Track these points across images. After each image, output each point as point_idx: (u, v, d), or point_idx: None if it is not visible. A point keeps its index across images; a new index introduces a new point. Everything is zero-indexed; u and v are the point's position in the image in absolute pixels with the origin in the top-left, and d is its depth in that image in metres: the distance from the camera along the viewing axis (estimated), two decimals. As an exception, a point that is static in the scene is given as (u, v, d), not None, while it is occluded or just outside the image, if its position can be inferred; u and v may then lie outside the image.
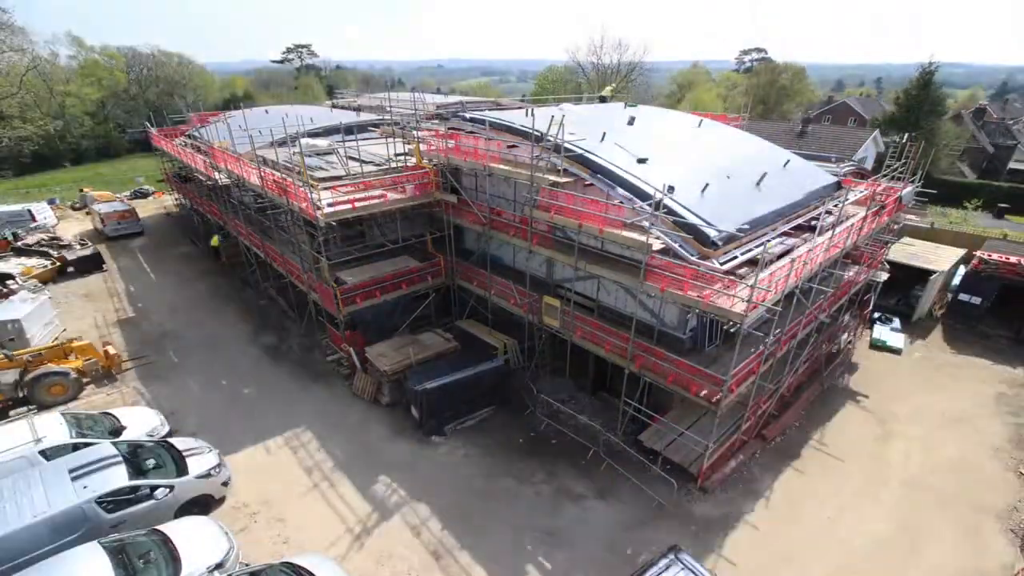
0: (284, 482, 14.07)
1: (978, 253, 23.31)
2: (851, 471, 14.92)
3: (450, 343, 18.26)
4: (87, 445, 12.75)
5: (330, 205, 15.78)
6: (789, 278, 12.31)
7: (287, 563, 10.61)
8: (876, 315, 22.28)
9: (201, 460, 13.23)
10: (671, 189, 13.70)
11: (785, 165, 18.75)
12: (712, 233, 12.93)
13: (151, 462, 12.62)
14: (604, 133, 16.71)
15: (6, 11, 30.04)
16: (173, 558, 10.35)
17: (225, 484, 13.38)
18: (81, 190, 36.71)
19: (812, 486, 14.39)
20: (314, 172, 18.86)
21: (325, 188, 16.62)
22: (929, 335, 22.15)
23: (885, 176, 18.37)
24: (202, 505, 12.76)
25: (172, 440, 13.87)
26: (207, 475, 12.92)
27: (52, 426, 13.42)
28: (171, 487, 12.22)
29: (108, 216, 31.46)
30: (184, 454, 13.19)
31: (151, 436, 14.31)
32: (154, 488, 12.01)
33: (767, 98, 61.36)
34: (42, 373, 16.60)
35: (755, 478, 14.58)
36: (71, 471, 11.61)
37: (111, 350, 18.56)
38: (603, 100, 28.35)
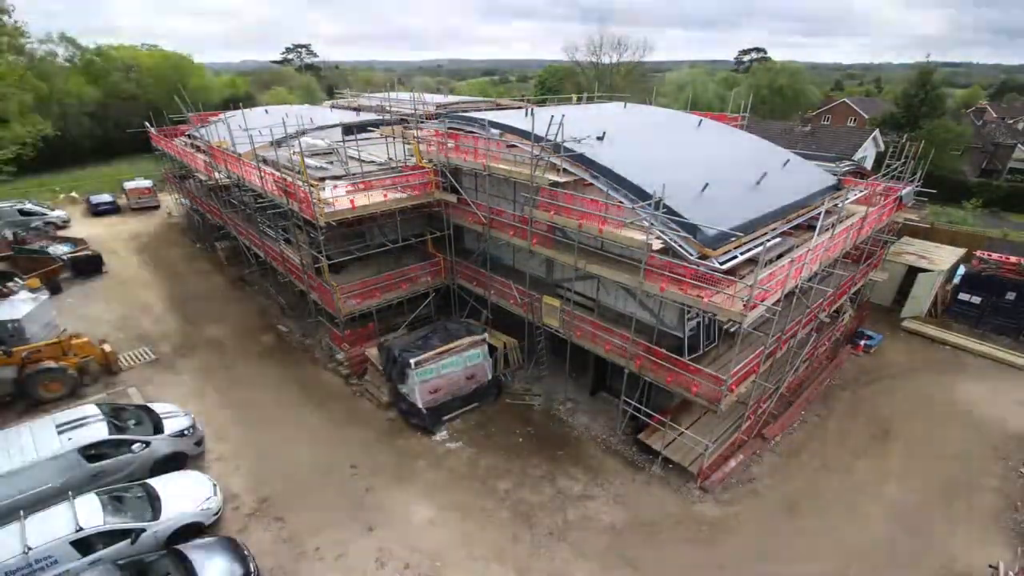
0: (283, 481, 14.08)
1: (977, 253, 23.34)
2: (851, 470, 14.92)
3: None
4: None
5: (330, 205, 15.79)
6: (789, 278, 12.32)
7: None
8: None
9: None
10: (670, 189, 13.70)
11: (784, 165, 18.76)
12: (712, 233, 12.93)
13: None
14: (604, 133, 16.72)
15: (10, 13, 29.97)
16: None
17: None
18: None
19: (812, 485, 14.39)
20: (314, 172, 18.87)
21: (325, 188, 16.63)
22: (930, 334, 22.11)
23: (885, 176, 18.40)
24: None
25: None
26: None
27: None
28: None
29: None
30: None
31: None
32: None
33: (766, 98, 61.28)
34: (39, 369, 16.64)
35: (755, 477, 14.59)
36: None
37: (107, 347, 18.61)
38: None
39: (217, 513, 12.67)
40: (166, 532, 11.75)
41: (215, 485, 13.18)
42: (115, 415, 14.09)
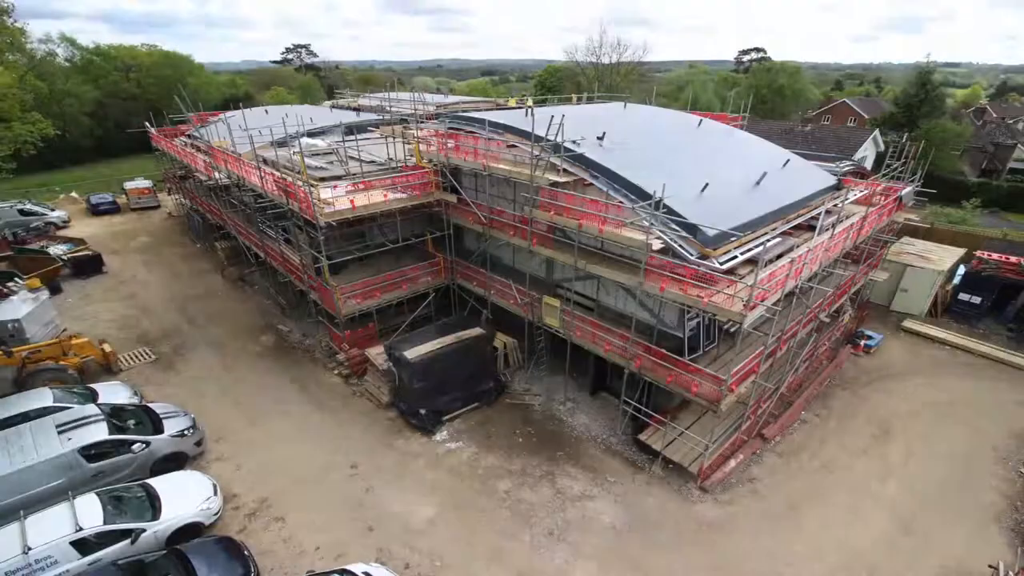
0: (283, 481, 14.08)
1: (977, 253, 23.34)
2: (851, 470, 14.92)
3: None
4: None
5: (330, 205, 15.80)
6: (789, 278, 12.32)
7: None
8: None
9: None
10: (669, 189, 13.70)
11: (785, 165, 18.76)
12: (712, 233, 12.93)
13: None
14: (604, 133, 16.72)
15: (9, 13, 30.02)
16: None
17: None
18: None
19: (812, 486, 14.39)
20: (314, 172, 18.87)
21: (325, 188, 16.64)
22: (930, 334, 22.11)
23: (885, 176, 18.40)
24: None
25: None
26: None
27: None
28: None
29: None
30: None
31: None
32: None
33: (766, 98, 61.28)
34: (39, 369, 16.65)
35: (755, 477, 14.59)
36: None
37: (107, 347, 18.63)
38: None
39: (217, 513, 12.68)
40: (166, 532, 11.76)
41: (215, 485, 13.18)
42: (115, 415, 14.10)
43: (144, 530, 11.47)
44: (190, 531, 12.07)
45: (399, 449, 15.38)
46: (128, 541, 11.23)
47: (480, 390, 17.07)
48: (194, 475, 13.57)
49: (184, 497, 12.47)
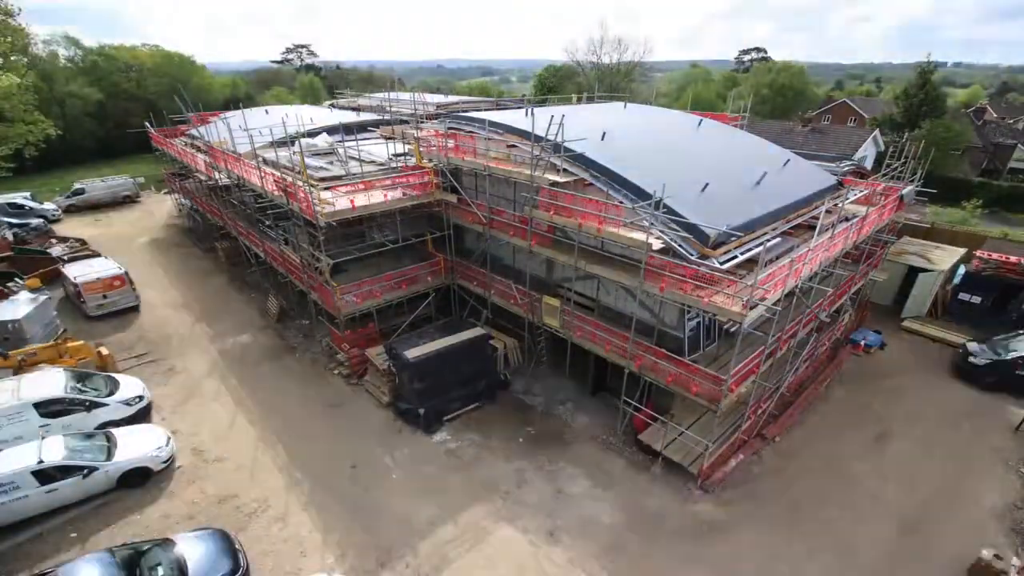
0: (284, 482, 14.09)
1: (978, 253, 23.32)
2: (851, 470, 14.92)
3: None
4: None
5: (330, 205, 15.80)
6: (789, 278, 12.32)
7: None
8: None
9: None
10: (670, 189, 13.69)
11: (785, 165, 18.75)
12: (712, 233, 12.93)
13: None
14: (604, 133, 16.72)
15: (13, 15, 30.19)
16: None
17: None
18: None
19: (812, 485, 14.38)
20: (314, 172, 18.88)
21: (325, 188, 16.65)
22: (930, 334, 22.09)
23: (885, 175, 18.40)
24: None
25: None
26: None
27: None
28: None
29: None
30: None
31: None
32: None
33: (766, 98, 61.23)
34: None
35: (755, 477, 14.58)
36: None
37: (104, 351, 18.57)
38: None
39: (167, 461, 14.21)
40: (117, 472, 13.31)
41: (169, 437, 14.72)
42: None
43: (97, 468, 13.01)
44: (140, 474, 13.66)
45: (399, 449, 15.38)
46: (81, 476, 12.74)
47: (480, 390, 17.07)
48: (152, 428, 15.18)
49: (138, 444, 14.02)
